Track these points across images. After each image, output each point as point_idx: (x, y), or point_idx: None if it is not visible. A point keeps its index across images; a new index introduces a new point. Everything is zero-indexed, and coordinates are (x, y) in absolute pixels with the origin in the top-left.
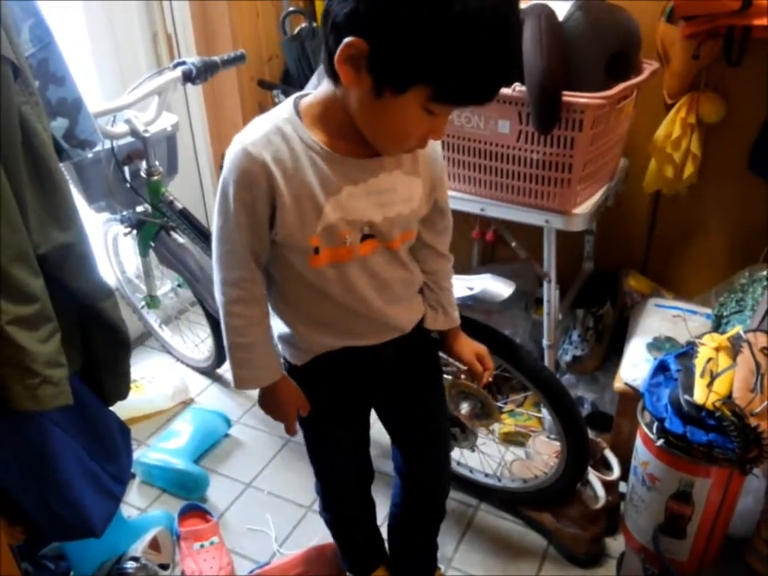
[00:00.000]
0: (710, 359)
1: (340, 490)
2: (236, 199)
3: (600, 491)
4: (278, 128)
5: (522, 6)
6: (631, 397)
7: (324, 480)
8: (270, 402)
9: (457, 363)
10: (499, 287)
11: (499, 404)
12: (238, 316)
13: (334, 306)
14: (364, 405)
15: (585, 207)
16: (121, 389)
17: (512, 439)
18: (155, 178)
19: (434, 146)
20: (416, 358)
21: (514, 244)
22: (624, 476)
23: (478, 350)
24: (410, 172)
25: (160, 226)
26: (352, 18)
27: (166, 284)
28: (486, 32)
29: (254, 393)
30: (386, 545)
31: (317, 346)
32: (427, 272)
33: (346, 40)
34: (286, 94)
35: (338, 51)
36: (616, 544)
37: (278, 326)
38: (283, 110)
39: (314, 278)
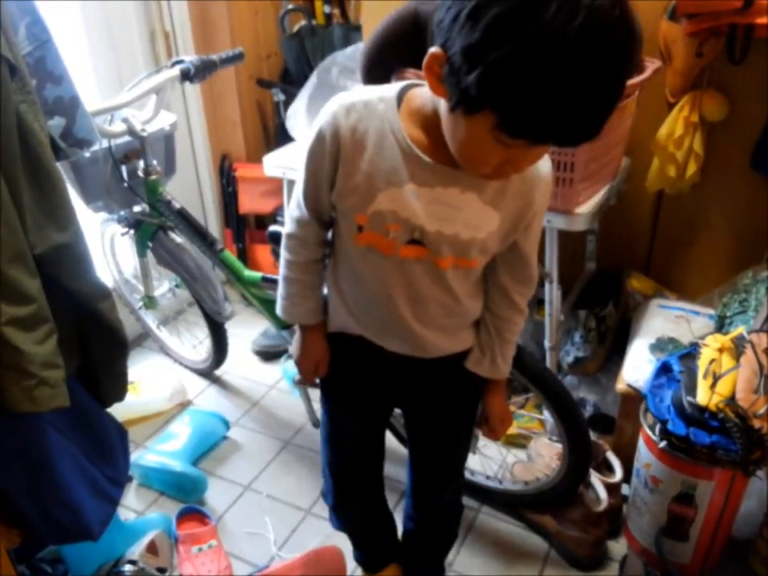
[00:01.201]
0: (713, 360)
1: (345, 480)
2: (309, 148)
3: (602, 493)
4: (371, 102)
5: None
6: (634, 398)
7: (331, 469)
8: (295, 345)
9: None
10: None
11: None
12: (290, 250)
13: (365, 293)
14: (380, 401)
15: (587, 207)
16: (118, 390)
17: (513, 441)
18: (153, 177)
19: (535, 190)
20: (442, 388)
21: None
22: (626, 478)
23: (506, 416)
24: (489, 202)
25: (158, 226)
26: (439, 26)
27: (164, 284)
28: (566, 59)
29: (253, 395)
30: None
31: (336, 319)
32: (493, 314)
33: (431, 49)
34: (285, 93)
35: (425, 58)
36: (618, 547)
37: (327, 284)
38: (391, 89)
39: (355, 256)
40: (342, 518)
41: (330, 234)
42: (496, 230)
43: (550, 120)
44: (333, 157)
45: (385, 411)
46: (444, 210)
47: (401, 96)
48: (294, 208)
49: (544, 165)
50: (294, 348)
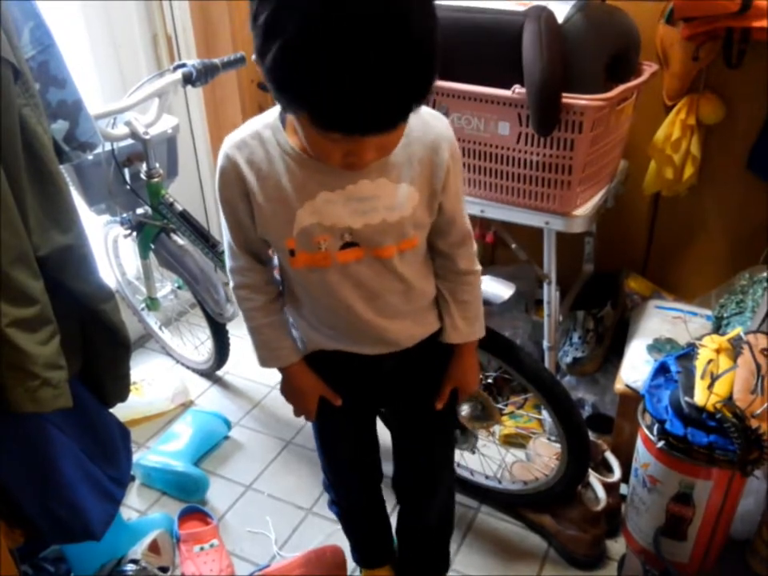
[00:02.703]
0: (710, 361)
1: (342, 482)
2: (220, 197)
3: (601, 493)
4: (258, 132)
5: (522, 8)
6: (632, 398)
7: (328, 472)
8: (286, 387)
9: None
10: (499, 289)
11: (499, 406)
12: (244, 299)
13: (324, 309)
14: (367, 407)
15: (585, 209)
16: (121, 391)
17: (512, 441)
18: (155, 180)
19: (439, 151)
20: (422, 374)
21: (514, 246)
22: (625, 478)
23: (463, 383)
24: (399, 179)
25: (160, 228)
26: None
27: (166, 286)
28: (336, 42)
29: (254, 395)
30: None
31: (311, 342)
32: (443, 280)
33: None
34: None
35: None
36: (617, 546)
37: (288, 313)
38: (270, 114)
39: (300, 279)
40: (341, 512)
41: (276, 272)
42: (418, 201)
43: (346, 108)
44: (243, 195)
45: (371, 413)
46: (363, 205)
47: (283, 116)
48: (230, 261)
49: (437, 124)
50: (283, 391)
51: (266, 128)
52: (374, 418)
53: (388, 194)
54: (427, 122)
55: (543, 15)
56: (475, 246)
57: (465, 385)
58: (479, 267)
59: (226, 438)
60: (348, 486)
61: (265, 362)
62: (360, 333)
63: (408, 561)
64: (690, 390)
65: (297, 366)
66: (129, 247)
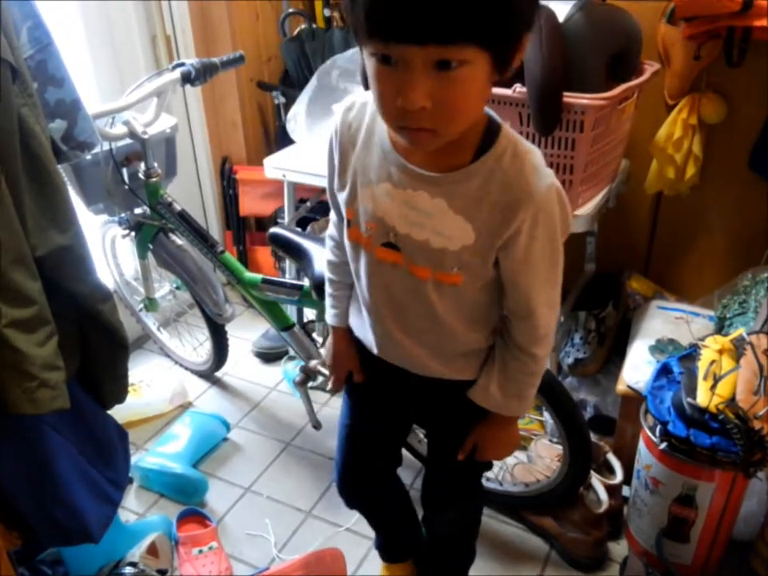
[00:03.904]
0: (713, 362)
1: (351, 471)
2: (328, 150)
3: (603, 495)
4: (369, 103)
5: None
6: (634, 400)
7: (341, 457)
8: (329, 344)
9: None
10: None
11: None
12: (329, 250)
13: (360, 293)
14: (393, 412)
15: (586, 209)
16: (118, 392)
17: None
18: (154, 179)
19: (517, 210)
20: (451, 411)
21: None
22: (627, 480)
23: (483, 451)
24: (460, 211)
25: (158, 228)
26: None
27: (165, 286)
28: None
29: (254, 396)
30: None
31: (353, 324)
32: (500, 342)
33: None
34: (285, 96)
35: None
36: (619, 548)
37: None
38: None
39: (350, 253)
40: (349, 503)
41: None
42: (471, 243)
43: (378, 4)
44: (336, 152)
45: (399, 423)
46: (414, 214)
47: None
48: (331, 212)
49: (534, 182)
50: (325, 351)
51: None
52: (400, 430)
53: (442, 218)
54: (524, 174)
55: (544, 14)
56: (545, 332)
57: (484, 452)
58: (540, 353)
59: (225, 439)
60: (355, 473)
61: (326, 313)
62: (384, 340)
63: (425, 566)
64: (692, 391)
65: (340, 331)
66: (127, 247)
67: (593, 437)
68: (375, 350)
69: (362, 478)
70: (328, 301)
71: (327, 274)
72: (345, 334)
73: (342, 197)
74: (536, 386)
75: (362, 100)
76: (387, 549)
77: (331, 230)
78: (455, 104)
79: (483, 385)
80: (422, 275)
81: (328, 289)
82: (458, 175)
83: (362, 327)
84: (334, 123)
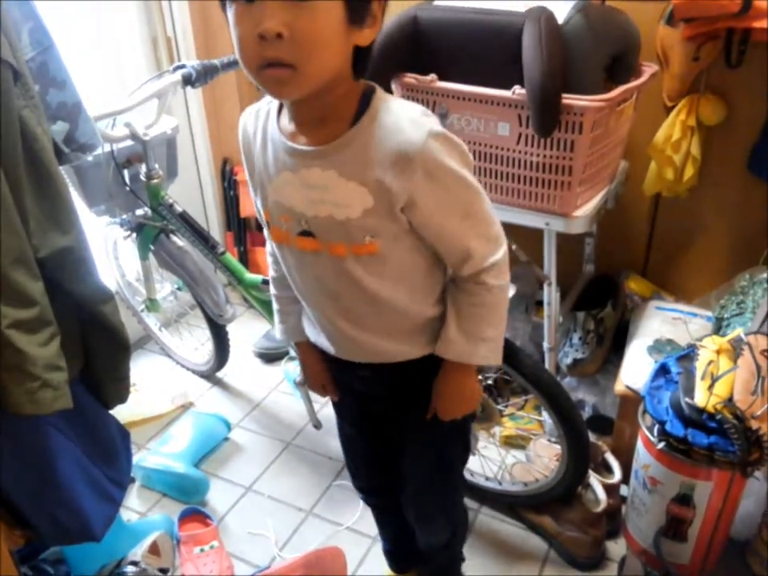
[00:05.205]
0: (710, 362)
1: (357, 479)
2: None
3: (601, 494)
4: (263, 106)
5: (522, 9)
6: (632, 400)
7: (348, 468)
8: (299, 363)
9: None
10: None
11: (500, 407)
12: (270, 267)
13: (298, 293)
14: (370, 418)
15: (585, 210)
16: (120, 392)
17: (513, 442)
18: (155, 181)
19: (403, 165)
20: (413, 393)
21: (514, 247)
22: (625, 479)
23: (440, 406)
24: (350, 176)
25: (160, 230)
26: None
27: (166, 287)
28: None
29: (254, 397)
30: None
31: (305, 328)
32: (450, 287)
33: None
34: None
35: None
36: (617, 547)
37: None
38: None
39: (279, 255)
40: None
41: None
42: (372, 206)
43: None
44: (244, 161)
45: (381, 431)
46: (314, 193)
47: None
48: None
49: (411, 132)
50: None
51: (269, 103)
52: (380, 434)
53: (337, 188)
54: (401, 128)
55: (543, 16)
56: (492, 262)
57: (441, 409)
58: (491, 281)
59: (226, 439)
60: (360, 481)
61: (276, 330)
62: (335, 336)
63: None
64: (690, 391)
65: (303, 345)
66: (128, 248)
67: (591, 436)
68: (333, 351)
69: (365, 483)
70: (276, 317)
71: (272, 291)
72: (308, 348)
73: (258, 202)
74: (496, 324)
75: (255, 107)
76: (390, 557)
77: (268, 246)
78: (311, 35)
79: (444, 336)
80: (339, 253)
81: (275, 305)
82: (341, 141)
83: (315, 332)
84: (239, 134)
